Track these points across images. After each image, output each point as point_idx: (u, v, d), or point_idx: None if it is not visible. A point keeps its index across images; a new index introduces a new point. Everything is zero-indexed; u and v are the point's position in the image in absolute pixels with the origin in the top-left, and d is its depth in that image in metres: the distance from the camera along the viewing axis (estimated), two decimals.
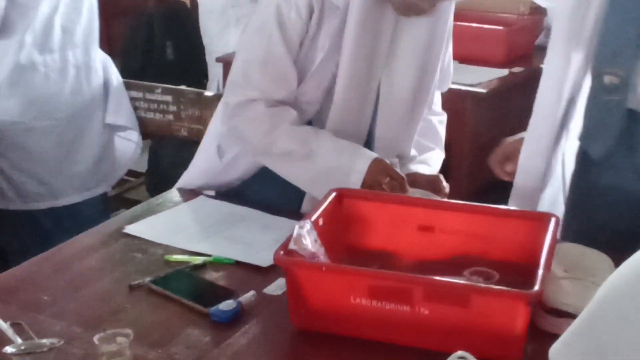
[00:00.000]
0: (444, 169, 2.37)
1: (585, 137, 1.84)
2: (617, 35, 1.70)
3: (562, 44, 1.77)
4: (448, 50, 2.11)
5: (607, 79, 1.71)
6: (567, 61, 1.77)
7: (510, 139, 1.99)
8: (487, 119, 3.02)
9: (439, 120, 2.21)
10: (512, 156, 1.93)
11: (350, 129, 1.95)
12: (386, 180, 1.85)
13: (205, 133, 2.20)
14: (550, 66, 1.82)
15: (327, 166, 1.88)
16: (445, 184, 2.02)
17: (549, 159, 1.87)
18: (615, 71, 1.70)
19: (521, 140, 1.93)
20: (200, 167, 2.13)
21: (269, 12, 1.87)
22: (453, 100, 2.93)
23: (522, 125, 3.29)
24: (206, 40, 3.94)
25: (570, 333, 0.96)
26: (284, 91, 1.92)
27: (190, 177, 2.14)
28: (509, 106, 3.19)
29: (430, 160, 2.11)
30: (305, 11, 1.86)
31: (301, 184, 1.94)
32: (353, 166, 1.87)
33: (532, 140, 1.88)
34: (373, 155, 1.89)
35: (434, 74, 2.05)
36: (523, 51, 3.37)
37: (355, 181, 1.86)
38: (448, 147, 2.79)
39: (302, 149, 1.89)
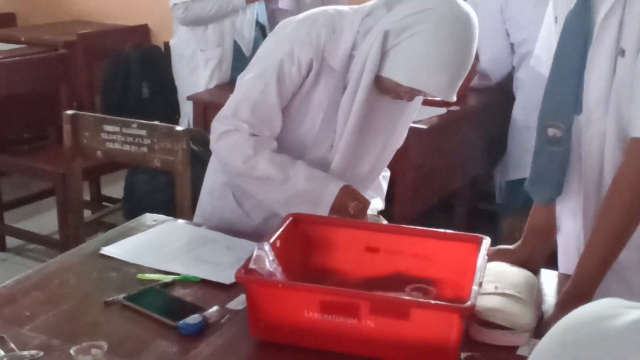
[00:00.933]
0: (390, 195, 2.38)
1: (531, 184, 1.82)
2: (560, 95, 1.70)
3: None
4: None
5: (551, 132, 1.70)
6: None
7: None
8: (427, 151, 3.04)
9: (383, 176, 2.22)
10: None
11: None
12: (353, 204, 1.85)
13: (207, 177, 2.17)
14: None
15: (301, 190, 1.87)
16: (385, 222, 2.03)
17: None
18: (557, 124, 1.69)
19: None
20: (222, 215, 2.08)
21: (271, 63, 1.87)
22: None
23: (459, 157, 3.34)
24: (177, 82, 3.94)
25: None
26: (268, 131, 1.91)
27: (207, 218, 2.12)
28: (447, 140, 3.22)
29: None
30: (305, 68, 1.86)
31: (275, 205, 1.93)
32: (324, 191, 1.86)
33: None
34: (342, 182, 1.88)
35: (398, 141, 2.09)
36: (459, 92, 3.38)
37: (325, 204, 1.85)
38: (394, 176, 2.81)
39: (280, 175, 1.87)
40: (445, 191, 3.42)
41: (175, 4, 3.67)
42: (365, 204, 1.88)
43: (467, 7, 1.78)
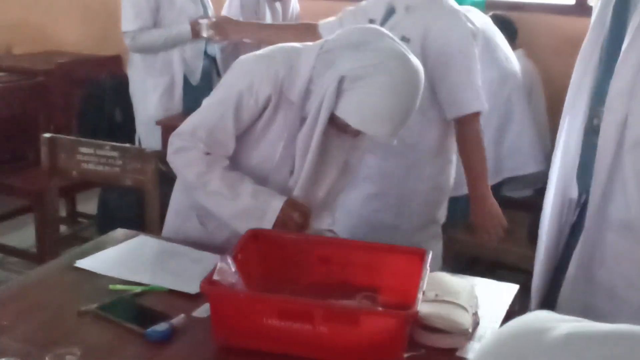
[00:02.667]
0: None
1: (578, 174, 1.72)
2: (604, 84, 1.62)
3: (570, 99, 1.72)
4: None
5: (595, 121, 1.64)
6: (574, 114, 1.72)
7: None
8: None
9: None
10: None
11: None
12: (296, 215, 1.84)
13: (172, 199, 2.14)
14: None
15: (248, 206, 1.85)
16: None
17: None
18: (600, 114, 1.63)
19: None
20: (187, 235, 2.04)
21: (231, 93, 1.85)
22: None
23: None
24: (134, 105, 3.90)
25: None
26: (221, 151, 1.90)
27: (173, 236, 2.08)
28: None
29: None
30: (262, 101, 1.85)
31: (225, 218, 1.90)
32: (268, 206, 1.84)
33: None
34: (284, 197, 1.86)
35: (350, 171, 2.04)
36: None
37: (270, 218, 1.83)
38: None
39: (229, 192, 1.85)
40: None
41: (124, 32, 3.65)
42: (308, 213, 1.87)
43: (416, 62, 1.77)
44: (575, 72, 1.71)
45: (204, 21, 3.24)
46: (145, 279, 1.74)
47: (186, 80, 3.78)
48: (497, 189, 3.45)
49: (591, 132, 1.67)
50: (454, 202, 3.41)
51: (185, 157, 1.89)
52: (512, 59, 3.39)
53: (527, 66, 3.59)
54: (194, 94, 3.61)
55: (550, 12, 3.92)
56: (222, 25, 2.89)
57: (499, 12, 3.75)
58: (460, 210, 3.37)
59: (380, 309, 1.49)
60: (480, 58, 3.28)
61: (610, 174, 1.62)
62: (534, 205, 3.36)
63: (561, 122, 1.77)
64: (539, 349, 0.68)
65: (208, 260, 1.78)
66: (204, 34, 3.24)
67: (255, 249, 1.67)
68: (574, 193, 1.74)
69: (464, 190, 3.33)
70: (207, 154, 1.88)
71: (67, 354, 1.33)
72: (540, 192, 3.49)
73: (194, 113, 1.94)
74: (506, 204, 3.50)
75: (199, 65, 3.79)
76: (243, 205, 1.85)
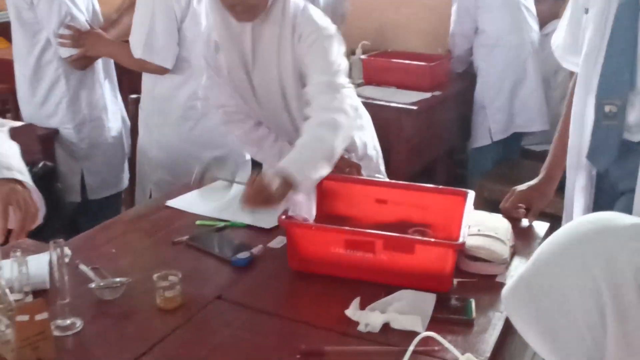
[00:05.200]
0: (387, 162, 2.39)
1: (592, 155, 1.63)
2: (616, 74, 1.54)
3: (580, 90, 1.63)
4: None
5: (607, 108, 1.56)
6: (584, 104, 1.62)
7: (519, 188, 1.83)
8: (417, 127, 3.07)
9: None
10: (525, 202, 1.79)
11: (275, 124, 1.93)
12: (347, 170, 1.86)
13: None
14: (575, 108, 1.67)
15: None
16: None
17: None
18: (614, 101, 1.54)
19: (530, 189, 1.81)
20: None
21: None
22: (393, 115, 3.00)
23: (440, 131, 3.38)
24: None
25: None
26: (232, 101, 1.91)
27: None
28: (432, 118, 3.25)
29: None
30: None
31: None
32: None
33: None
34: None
35: (289, 68, 1.79)
36: (441, 80, 3.41)
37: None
38: (390, 147, 2.83)
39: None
40: (429, 158, 3.45)
41: None
42: (358, 168, 1.89)
43: None
44: (583, 60, 1.61)
45: None
46: (226, 216, 1.80)
47: None
48: (516, 140, 3.46)
49: (603, 118, 1.58)
50: (478, 152, 3.44)
51: (236, 135, 1.97)
52: (536, 30, 3.37)
53: None
54: None
55: None
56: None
57: None
58: (485, 160, 3.41)
59: (433, 239, 1.52)
60: (509, 24, 3.29)
61: None
62: None
63: (574, 107, 1.67)
64: (613, 227, 0.85)
65: None
66: None
67: (321, 191, 1.71)
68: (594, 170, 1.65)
69: (486, 141, 3.37)
70: (248, 132, 1.93)
71: (170, 275, 1.41)
72: None
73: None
74: (528, 155, 3.53)
75: None
76: None
